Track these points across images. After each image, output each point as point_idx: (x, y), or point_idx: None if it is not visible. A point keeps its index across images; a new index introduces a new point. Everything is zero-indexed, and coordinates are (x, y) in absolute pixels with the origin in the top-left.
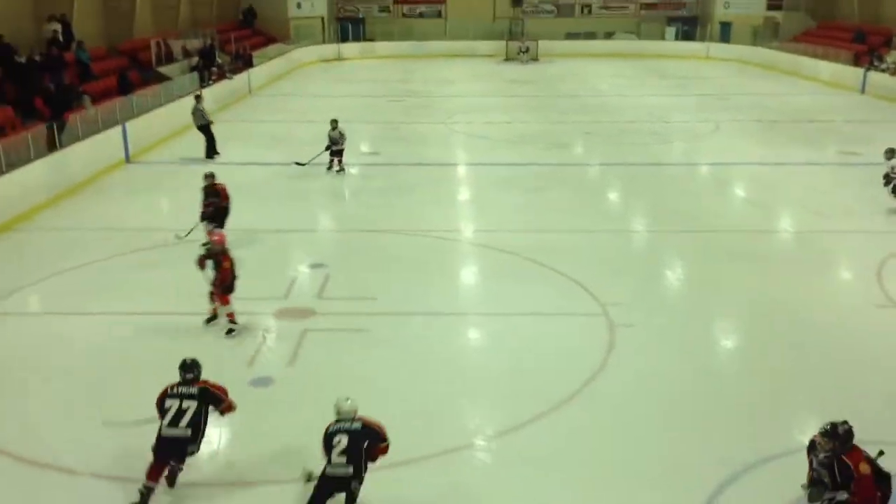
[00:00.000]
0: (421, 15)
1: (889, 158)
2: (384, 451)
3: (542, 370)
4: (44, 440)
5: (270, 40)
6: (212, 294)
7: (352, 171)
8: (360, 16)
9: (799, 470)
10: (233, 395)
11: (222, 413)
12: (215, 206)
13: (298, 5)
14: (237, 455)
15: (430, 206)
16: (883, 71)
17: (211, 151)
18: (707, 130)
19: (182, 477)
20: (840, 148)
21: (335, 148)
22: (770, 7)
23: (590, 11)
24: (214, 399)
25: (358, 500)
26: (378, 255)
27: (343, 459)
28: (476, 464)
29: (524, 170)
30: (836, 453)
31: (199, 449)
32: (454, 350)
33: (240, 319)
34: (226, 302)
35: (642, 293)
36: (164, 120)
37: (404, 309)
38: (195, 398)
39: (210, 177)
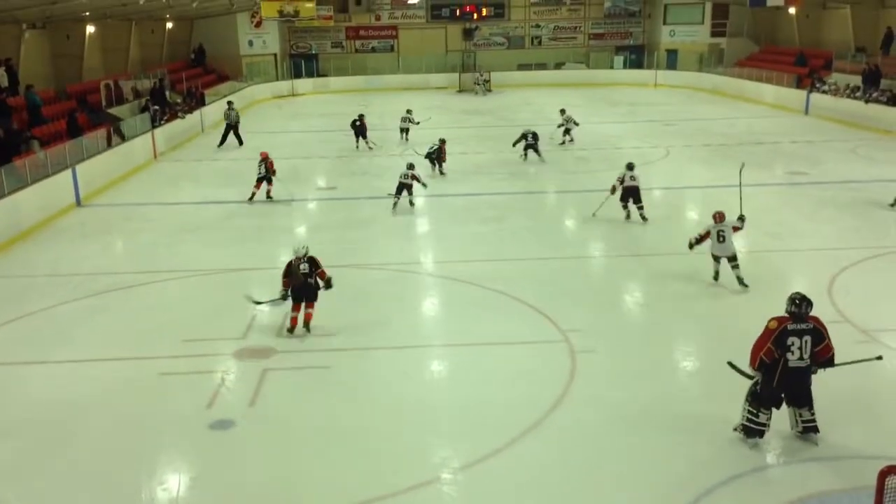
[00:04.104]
0: (373, 50)
1: (562, 115)
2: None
3: (507, 400)
4: None
5: (223, 78)
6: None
7: (309, 205)
8: (314, 52)
9: (767, 491)
10: (192, 440)
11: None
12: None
13: (250, 43)
14: (198, 499)
15: (389, 239)
16: (824, 92)
17: (223, 139)
18: (658, 156)
19: None
20: (787, 168)
21: (402, 126)
22: (714, 34)
23: (540, 42)
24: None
25: None
26: (337, 291)
27: None
28: (444, 498)
29: (481, 200)
30: None
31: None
32: (417, 384)
33: (198, 362)
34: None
35: (602, 318)
36: (115, 162)
37: (365, 344)
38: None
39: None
